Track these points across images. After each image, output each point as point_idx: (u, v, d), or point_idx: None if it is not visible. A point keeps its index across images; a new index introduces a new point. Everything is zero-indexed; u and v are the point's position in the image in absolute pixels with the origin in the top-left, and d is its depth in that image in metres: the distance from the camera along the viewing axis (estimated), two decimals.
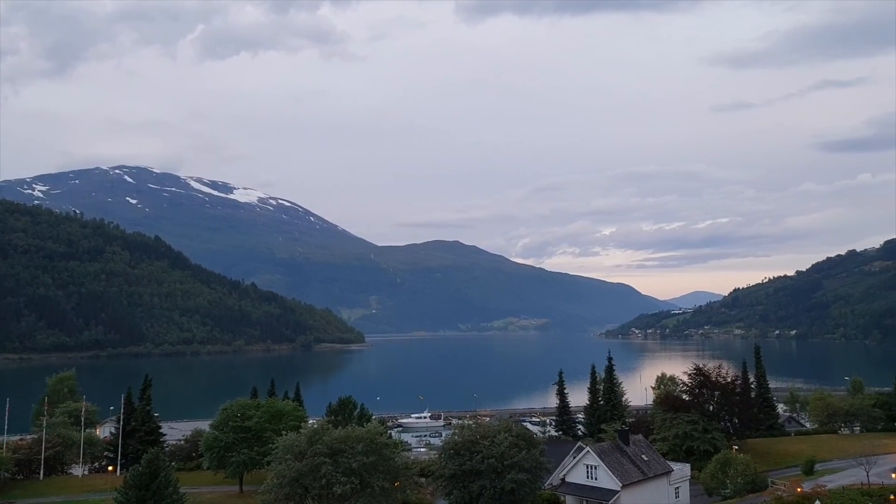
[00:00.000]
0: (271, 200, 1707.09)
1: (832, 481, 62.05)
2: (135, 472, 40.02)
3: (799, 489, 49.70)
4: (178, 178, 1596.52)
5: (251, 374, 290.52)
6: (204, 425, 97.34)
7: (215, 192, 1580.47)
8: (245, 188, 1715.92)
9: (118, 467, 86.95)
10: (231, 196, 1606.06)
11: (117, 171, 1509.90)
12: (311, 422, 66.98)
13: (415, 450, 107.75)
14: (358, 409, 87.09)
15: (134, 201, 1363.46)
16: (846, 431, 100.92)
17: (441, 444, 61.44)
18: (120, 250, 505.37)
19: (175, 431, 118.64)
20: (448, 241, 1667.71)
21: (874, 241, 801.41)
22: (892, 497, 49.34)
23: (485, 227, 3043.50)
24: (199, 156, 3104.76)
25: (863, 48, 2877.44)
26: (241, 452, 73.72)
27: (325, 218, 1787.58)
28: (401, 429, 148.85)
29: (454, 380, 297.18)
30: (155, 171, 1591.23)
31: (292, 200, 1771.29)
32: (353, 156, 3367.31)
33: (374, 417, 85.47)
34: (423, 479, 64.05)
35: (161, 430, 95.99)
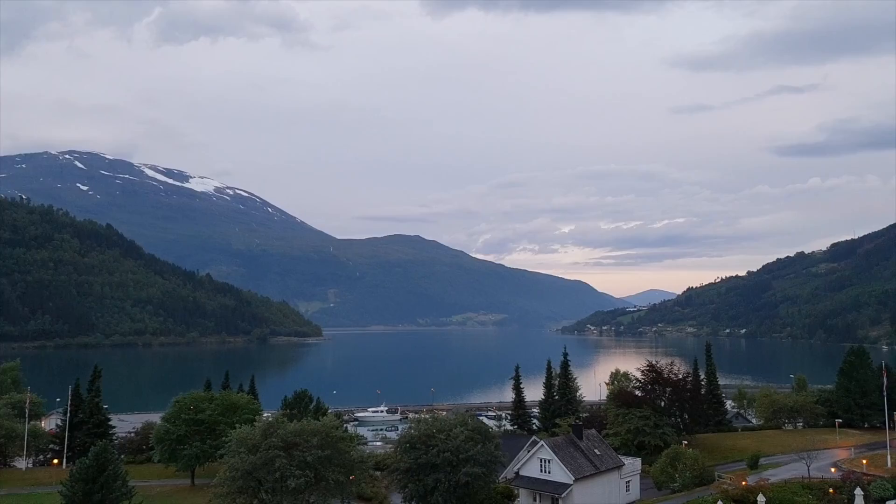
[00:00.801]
0: (228, 190, 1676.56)
1: (775, 475, 64.27)
2: (81, 464, 38.96)
3: (744, 483, 51.33)
4: (131, 164, 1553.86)
5: (205, 366, 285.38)
6: (155, 418, 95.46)
7: (170, 181, 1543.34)
8: (201, 177, 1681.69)
9: (64, 460, 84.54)
10: (187, 185, 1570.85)
11: (67, 157, 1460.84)
12: (265, 415, 66.17)
13: (371, 444, 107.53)
14: (314, 403, 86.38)
15: (85, 188, 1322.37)
16: (790, 427, 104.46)
17: (397, 437, 61.50)
18: (69, 238, 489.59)
19: (125, 424, 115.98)
20: (409, 236, 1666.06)
21: (822, 244, 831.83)
22: (831, 490, 51.37)
23: (446, 222, 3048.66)
24: (154, 143, 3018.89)
25: (816, 56, 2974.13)
26: (193, 445, 72.52)
27: (284, 209, 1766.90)
28: (357, 423, 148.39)
29: (412, 374, 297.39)
30: (107, 157, 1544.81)
31: (250, 191, 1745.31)
32: (314, 147, 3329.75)
33: (330, 411, 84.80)
34: (378, 473, 64.04)
35: (110, 423, 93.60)
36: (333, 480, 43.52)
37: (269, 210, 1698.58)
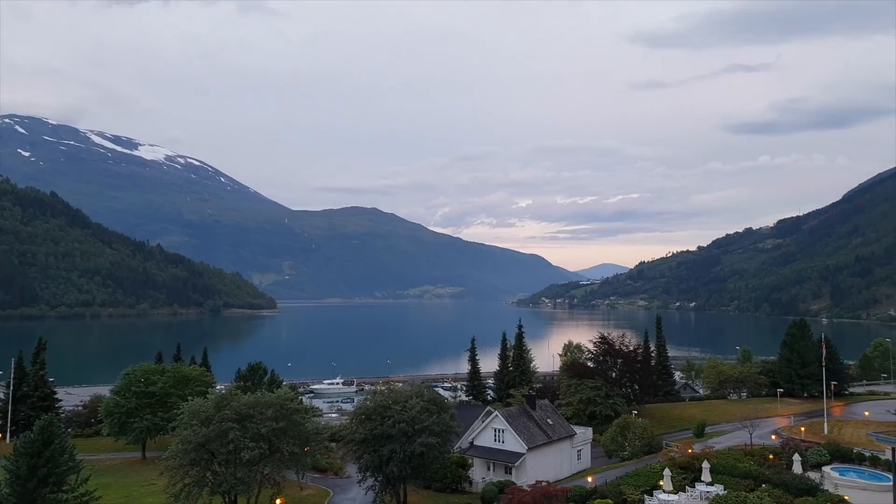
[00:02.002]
0: (179, 158, 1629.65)
1: (720, 443, 66.73)
2: (26, 438, 37.76)
3: (690, 450, 53.08)
4: (76, 130, 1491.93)
5: (156, 338, 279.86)
6: (104, 391, 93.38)
7: (118, 148, 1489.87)
8: (151, 145, 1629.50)
9: (7, 435, 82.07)
10: (136, 152, 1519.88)
11: (7, 121, 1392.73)
12: (219, 387, 65.34)
13: (326, 415, 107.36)
14: (268, 375, 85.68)
15: (27, 154, 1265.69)
16: (734, 397, 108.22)
17: (353, 409, 61.51)
18: (10, 206, 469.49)
19: (72, 397, 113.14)
20: (366, 208, 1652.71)
21: (769, 220, 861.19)
22: (771, 456, 53.55)
23: (405, 194, 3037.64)
24: (101, 109, 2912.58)
25: (770, 35, 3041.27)
26: (144, 418, 71.24)
27: (237, 179, 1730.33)
28: (312, 395, 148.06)
29: (368, 347, 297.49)
30: (51, 122, 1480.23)
31: (202, 159, 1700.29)
32: (270, 116, 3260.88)
33: (284, 383, 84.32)
34: (333, 444, 64.04)
35: (56, 396, 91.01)
36: (288, 452, 43.34)
37: (222, 179, 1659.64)
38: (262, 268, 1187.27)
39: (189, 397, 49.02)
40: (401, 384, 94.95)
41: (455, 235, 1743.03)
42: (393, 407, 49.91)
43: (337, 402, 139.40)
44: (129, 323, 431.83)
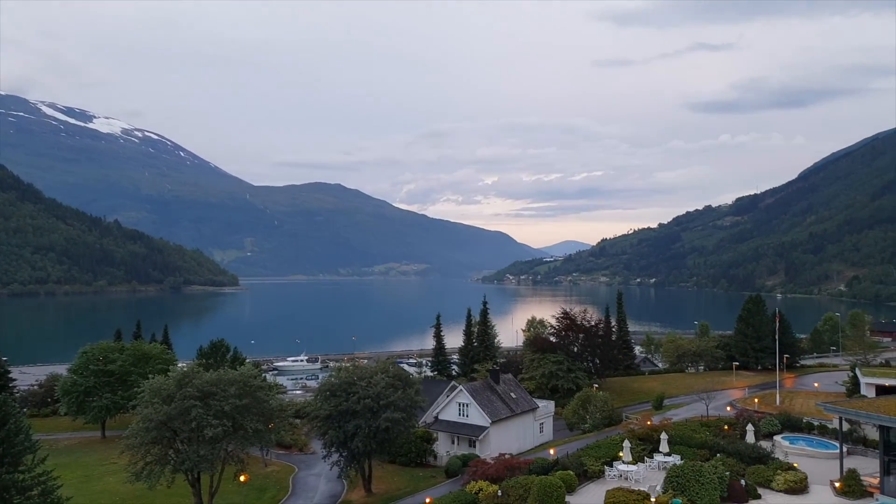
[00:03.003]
0: (137, 132, 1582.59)
1: (677, 415, 68.61)
2: None
3: (649, 422, 54.43)
4: (26, 101, 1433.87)
5: (115, 316, 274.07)
6: (61, 369, 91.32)
7: (71, 120, 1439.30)
8: (107, 117, 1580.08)
9: None
10: (91, 125, 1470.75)
11: None
12: (180, 365, 64.47)
13: (291, 392, 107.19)
14: (231, 353, 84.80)
15: None
16: (692, 370, 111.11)
17: (317, 386, 61.40)
18: None
19: (27, 376, 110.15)
20: (330, 184, 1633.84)
21: (728, 198, 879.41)
22: (726, 427, 55.28)
23: (370, 170, 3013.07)
24: (52, 79, 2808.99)
25: (733, 15, 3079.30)
26: (103, 397, 70.06)
27: (197, 154, 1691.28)
28: (277, 372, 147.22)
29: (333, 324, 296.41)
30: None
31: (161, 133, 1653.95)
32: (231, 89, 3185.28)
33: (248, 361, 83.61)
34: (298, 421, 63.97)
35: (10, 375, 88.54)
36: (252, 429, 43.06)
37: (182, 154, 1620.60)
38: (224, 244, 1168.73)
39: (150, 375, 48.27)
40: (366, 361, 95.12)
41: (420, 212, 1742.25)
42: (358, 383, 49.94)
43: (301, 378, 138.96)
44: (86, 300, 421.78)
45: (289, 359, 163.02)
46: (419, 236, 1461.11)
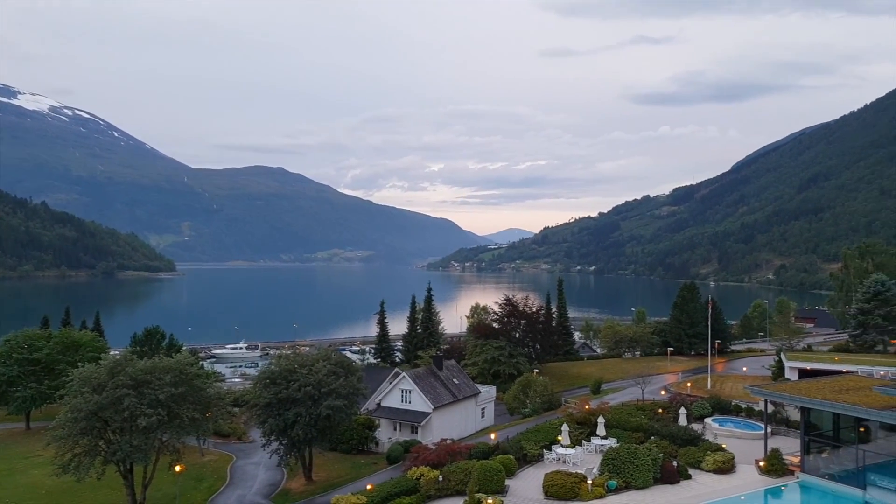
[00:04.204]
0: (66, 110, 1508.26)
1: (614, 399, 70.44)
2: None
3: (587, 406, 55.70)
4: None
5: (42, 302, 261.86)
6: None
7: None
8: (33, 94, 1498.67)
9: None
10: (15, 101, 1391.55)
11: None
12: (113, 353, 62.19)
13: (229, 380, 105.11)
14: (166, 340, 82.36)
15: None
16: (629, 356, 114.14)
17: (257, 374, 60.28)
18: None
19: None
20: (272, 167, 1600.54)
21: (666, 189, 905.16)
22: (660, 410, 57.07)
23: (314, 154, 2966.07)
24: None
25: (674, 9, 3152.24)
26: (27, 387, 66.85)
27: (132, 134, 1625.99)
28: (215, 360, 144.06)
29: (273, 311, 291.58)
30: None
31: (92, 112, 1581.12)
32: (170, 69, 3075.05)
33: (184, 348, 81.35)
34: (236, 409, 62.76)
35: None
36: (188, 418, 41.90)
37: (115, 134, 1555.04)
38: (160, 228, 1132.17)
39: (79, 364, 46.29)
40: (307, 348, 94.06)
41: (366, 198, 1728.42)
42: (299, 370, 49.28)
43: (240, 366, 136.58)
44: (10, 286, 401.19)
45: (227, 346, 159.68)
46: (364, 222, 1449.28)
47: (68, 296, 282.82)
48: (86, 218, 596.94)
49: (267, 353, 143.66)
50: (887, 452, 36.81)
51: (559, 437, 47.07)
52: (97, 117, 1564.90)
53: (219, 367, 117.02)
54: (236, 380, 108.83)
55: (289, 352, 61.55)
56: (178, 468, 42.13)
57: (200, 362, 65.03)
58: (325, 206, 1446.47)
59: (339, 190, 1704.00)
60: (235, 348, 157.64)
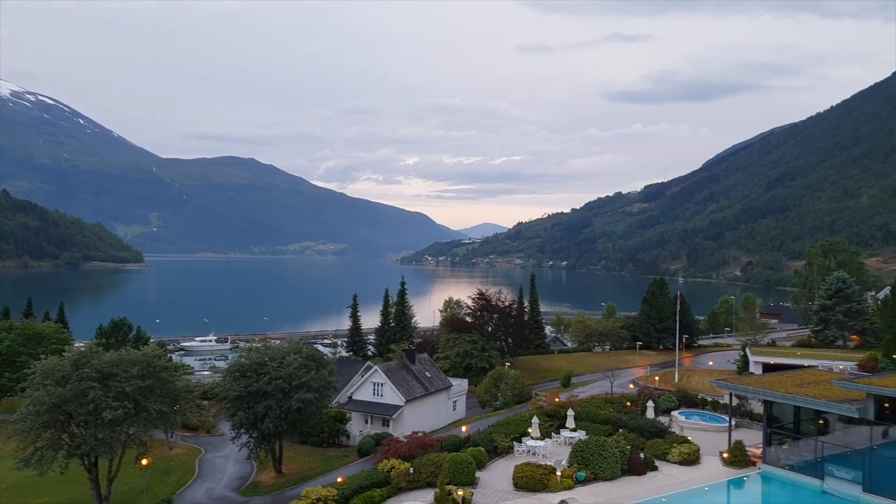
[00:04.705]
0: (29, 95, 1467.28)
1: (584, 392, 71.32)
2: None
3: (557, 399, 56.20)
4: None
5: (3, 293, 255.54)
6: None
7: None
8: None
9: None
10: None
11: None
12: (77, 345, 61.09)
13: (198, 373, 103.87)
14: (134, 332, 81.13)
15: None
16: (599, 350, 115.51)
17: (227, 367, 59.71)
18: None
19: None
20: (243, 158, 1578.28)
21: (637, 185, 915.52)
22: (629, 404, 57.88)
23: (287, 145, 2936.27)
24: None
25: (650, 7, 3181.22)
26: None
27: (98, 121, 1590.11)
28: (183, 352, 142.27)
29: (244, 303, 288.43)
30: None
31: (57, 98, 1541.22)
32: (139, 55, 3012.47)
33: (152, 341, 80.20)
34: (205, 402, 62.16)
35: None
36: (155, 411, 41.34)
37: (81, 121, 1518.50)
38: (127, 219, 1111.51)
39: (42, 356, 45.34)
40: (278, 341, 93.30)
41: (339, 191, 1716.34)
42: (269, 364, 48.96)
43: (210, 359, 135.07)
44: None
45: (196, 339, 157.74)
46: (337, 215, 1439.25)
47: (30, 287, 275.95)
48: (50, 207, 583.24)
49: (237, 346, 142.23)
50: (844, 444, 37.88)
51: (529, 430, 47.46)
52: (61, 103, 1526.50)
53: (188, 360, 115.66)
54: (205, 373, 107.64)
55: (259, 345, 61.06)
56: (144, 462, 41.60)
57: (169, 355, 64.25)
58: (298, 198, 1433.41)
59: (312, 182, 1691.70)
60: (205, 341, 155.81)
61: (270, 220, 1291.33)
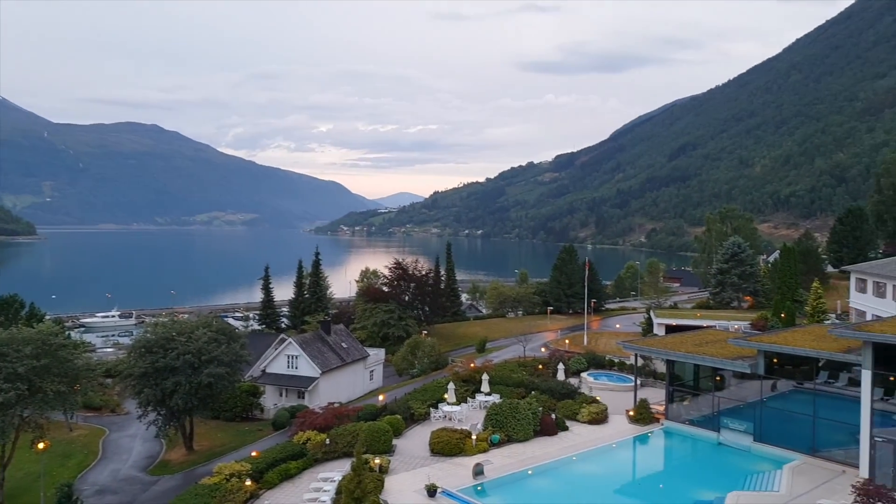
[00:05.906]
0: None
1: (498, 356, 72.95)
2: None
3: (472, 365, 57.29)
4: None
5: None
6: None
7: None
8: None
9: None
10: None
11: None
12: None
13: (100, 350, 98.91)
14: (26, 309, 75.97)
15: None
16: (512, 315, 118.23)
17: (131, 343, 57.04)
18: None
19: None
20: (145, 124, 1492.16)
21: (549, 155, 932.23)
22: (540, 366, 59.78)
23: (192, 111, 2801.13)
24: None
25: None
26: None
27: None
28: (84, 329, 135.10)
29: (149, 277, 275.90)
30: None
31: None
32: (26, 12, 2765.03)
33: (48, 318, 75.39)
34: (109, 381, 59.31)
35: None
36: (52, 391, 38.98)
37: None
38: (16, 188, 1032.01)
39: None
40: (186, 315, 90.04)
41: (249, 158, 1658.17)
42: (177, 338, 47.14)
43: (113, 336, 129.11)
44: None
45: (98, 315, 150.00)
46: (247, 184, 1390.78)
47: None
48: None
49: (142, 322, 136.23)
50: (737, 398, 40.79)
51: (445, 396, 48.20)
52: None
53: (88, 337, 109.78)
54: (108, 350, 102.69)
55: (166, 319, 58.58)
56: (41, 445, 39.29)
57: (67, 332, 60.62)
58: (205, 165, 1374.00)
59: (219, 149, 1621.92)
60: (107, 316, 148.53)
61: (176, 190, 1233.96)
